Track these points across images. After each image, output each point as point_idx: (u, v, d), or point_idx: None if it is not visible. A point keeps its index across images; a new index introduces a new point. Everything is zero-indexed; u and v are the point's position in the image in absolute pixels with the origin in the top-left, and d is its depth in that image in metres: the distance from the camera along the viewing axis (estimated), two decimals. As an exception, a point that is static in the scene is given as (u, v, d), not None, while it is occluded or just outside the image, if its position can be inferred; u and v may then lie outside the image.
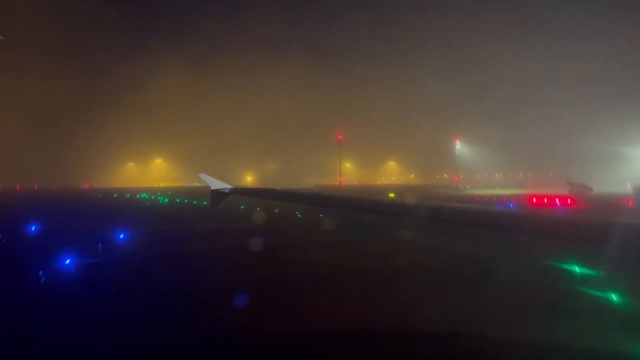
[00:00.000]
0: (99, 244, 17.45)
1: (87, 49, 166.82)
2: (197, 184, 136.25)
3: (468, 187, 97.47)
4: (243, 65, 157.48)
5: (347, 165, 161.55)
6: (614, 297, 3.96)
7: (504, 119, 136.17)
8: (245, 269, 14.71)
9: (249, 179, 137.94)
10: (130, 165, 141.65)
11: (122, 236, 20.59)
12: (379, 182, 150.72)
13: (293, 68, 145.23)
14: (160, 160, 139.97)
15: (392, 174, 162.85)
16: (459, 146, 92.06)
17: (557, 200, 52.57)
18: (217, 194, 11.91)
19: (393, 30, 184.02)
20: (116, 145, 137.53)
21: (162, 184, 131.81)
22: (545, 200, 52.95)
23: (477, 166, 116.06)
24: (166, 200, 56.63)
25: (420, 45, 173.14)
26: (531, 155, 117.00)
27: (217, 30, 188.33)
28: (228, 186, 12.16)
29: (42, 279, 12.44)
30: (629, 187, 65.24)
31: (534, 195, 56.12)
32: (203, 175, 12.72)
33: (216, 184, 12.18)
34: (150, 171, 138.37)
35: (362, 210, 7.50)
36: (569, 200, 52.60)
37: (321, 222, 13.22)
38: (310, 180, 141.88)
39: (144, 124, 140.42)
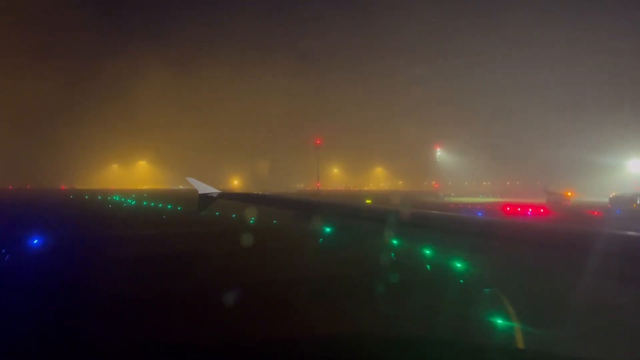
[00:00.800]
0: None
1: (70, 49, 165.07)
2: (181, 187, 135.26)
3: (452, 194, 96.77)
4: (228, 69, 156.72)
5: (335, 171, 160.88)
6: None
7: (492, 126, 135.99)
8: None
9: (235, 183, 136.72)
10: (114, 167, 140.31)
11: (35, 241, 19.43)
12: (366, 188, 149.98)
13: (279, 72, 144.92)
14: (144, 162, 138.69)
15: (380, 180, 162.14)
16: (439, 153, 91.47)
17: (529, 209, 52.17)
18: (205, 198, 11.90)
19: (379, 35, 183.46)
20: (101, 146, 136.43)
21: (145, 186, 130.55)
22: (518, 209, 52.54)
23: (464, 173, 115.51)
24: (133, 202, 55.62)
25: (406, 51, 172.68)
26: (519, 163, 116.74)
27: (202, 32, 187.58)
28: (216, 190, 12.11)
29: None
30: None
31: (508, 204, 55.88)
32: (191, 179, 12.69)
33: (204, 187, 12.14)
34: (134, 173, 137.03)
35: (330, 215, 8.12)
36: (541, 209, 51.98)
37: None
38: (298, 185, 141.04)
39: (129, 125, 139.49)
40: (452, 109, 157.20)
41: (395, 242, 7.09)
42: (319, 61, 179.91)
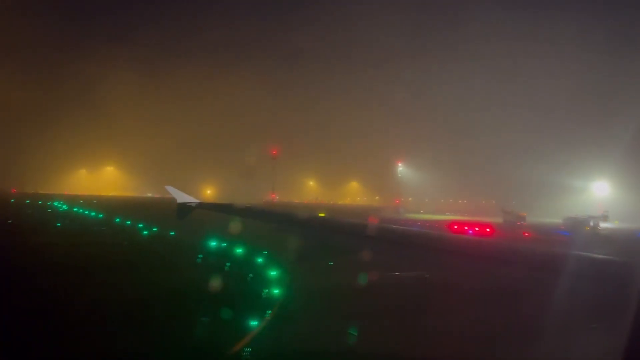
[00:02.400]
0: None
1: (38, 50, 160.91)
2: (149, 195, 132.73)
3: (421, 210, 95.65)
4: (201, 75, 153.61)
5: (311, 184, 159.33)
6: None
7: (458, 144, 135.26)
8: None
9: (208, 192, 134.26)
10: (82, 171, 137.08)
11: None
12: (341, 202, 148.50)
13: (251, 85, 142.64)
14: (112, 168, 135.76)
15: (357, 195, 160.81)
16: (401, 168, 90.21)
17: (475, 227, 51.44)
18: (184, 207, 12.06)
19: (346, 50, 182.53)
20: (69, 150, 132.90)
21: (112, 193, 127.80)
22: (466, 227, 51.86)
23: (429, 191, 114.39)
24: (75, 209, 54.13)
25: (375, 66, 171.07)
26: (483, 181, 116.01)
27: (174, 37, 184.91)
28: (194, 200, 12.43)
29: None
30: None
31: (456, 222, 55.89)
32: (170, 188, 12.82)
33: (183, 197, 12.36)
34: (102, 179, 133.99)
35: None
36: (487, 229, 51.02)
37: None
38: (273, 196, 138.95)
39: (98, 130, 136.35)
40: (423, 125, 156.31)
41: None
42: (297, 73, 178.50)
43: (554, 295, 4.86)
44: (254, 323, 9.49)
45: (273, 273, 14.96)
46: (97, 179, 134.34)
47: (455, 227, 51.91)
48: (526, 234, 44.11)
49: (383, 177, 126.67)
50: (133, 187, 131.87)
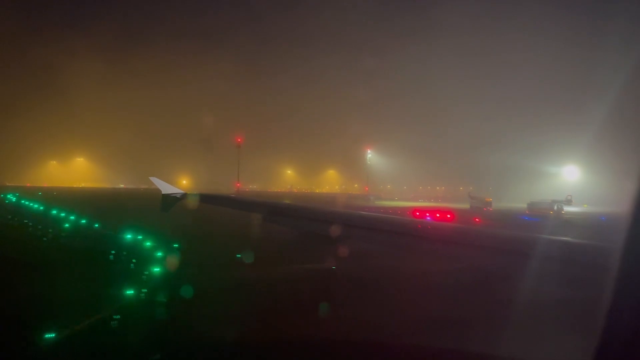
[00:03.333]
0: None
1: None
2: (121, 186, 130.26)
3: (396, 198, 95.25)
4: (168, 65, 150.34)
5: (289, 172, 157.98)
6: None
7: (436, 131, 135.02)
8: None
9: (184, 182, 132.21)
10: (53, 163, 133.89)
11: None
12: (318, 190, 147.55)
13: (220, 74, 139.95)
14: (82, 159, 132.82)
15: (335, 183, 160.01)
16: (370, 155, 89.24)
17: (437, 214, 50.91)
18: (169, 199, 11.86)
19: (313, 36, 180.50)
20: (38, 142, 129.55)
21: (83, 185, 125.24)
22: (427, 214, 51.25)
23: (408, 178, 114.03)
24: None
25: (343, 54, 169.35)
26: (462, 169, 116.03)
27: (138, 26, 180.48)
28: (179, 191, 12.25)
29: None
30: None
31: (418, 209, 55.34)
32: (154, 179, 12.81)
33: (167, 188, 12.24)
34: (72, 171, 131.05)
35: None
36: (448, 215, 50.54)
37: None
38: (251, 185, 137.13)
39: (68, 121, 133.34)
40: (394, 112, 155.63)
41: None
42: (268, 61, 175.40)
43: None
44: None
45: (157, 270, 13.67)
46: (68, 170, 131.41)
47: (417, 213, 51.34)
48: (477, 220, 43.54)
49: (360, 165, 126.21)
50: (104, 179, 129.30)
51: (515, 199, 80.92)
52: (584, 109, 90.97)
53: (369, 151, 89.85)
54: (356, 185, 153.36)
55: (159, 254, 15.57)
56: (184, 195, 12.16)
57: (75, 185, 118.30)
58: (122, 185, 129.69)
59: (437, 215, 51.33)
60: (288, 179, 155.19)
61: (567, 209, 64.88)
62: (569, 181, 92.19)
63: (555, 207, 59.33)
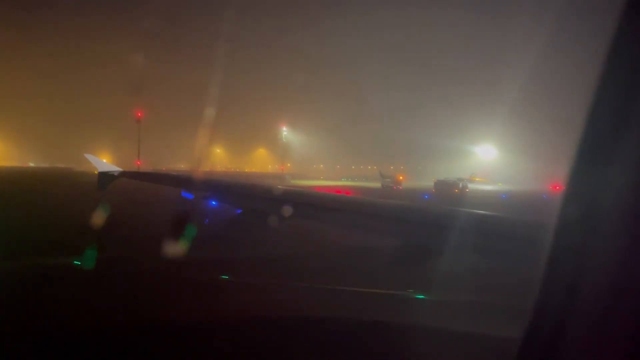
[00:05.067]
0: None
1: None
2: (31, 164, 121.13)
3: (307, 178, 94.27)
4: (60, 33, 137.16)
5: (218, 151, 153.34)
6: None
7: (351, 110, 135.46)
8: None
9: (104, 161, 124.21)
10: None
11: None
12: (247, 170, 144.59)
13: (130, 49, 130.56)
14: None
15: (266, 162, 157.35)
16: (286, 132, 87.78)
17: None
18: (105, 177, 11.59)
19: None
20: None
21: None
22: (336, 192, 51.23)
23: (333, 158, 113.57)
24: None
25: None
26: (385, 147, 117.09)
27: None
28: (117, 169, 11.95)
29: None
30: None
31: (318, 188, 55.00)
32: (89, 156, 12.61)
33: (103, 166, 12.07)
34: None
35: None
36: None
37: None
38: (179, 165, 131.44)
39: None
40: (315, 91, 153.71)
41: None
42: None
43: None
44: None
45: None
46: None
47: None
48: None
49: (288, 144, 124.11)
50: (11, 157, 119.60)
51: (432, 177, 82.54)
52: (500, 85, 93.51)
53: (284, 128, 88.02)
54: (289, 164, 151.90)
55: None
56: (122, 173, 11.79)
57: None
58: (31, 164, 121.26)
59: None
60: (215, 158, 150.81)
61: (474, 186, 66.44)
62: (484, 160, 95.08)
63: (460, 185, 60.35)
